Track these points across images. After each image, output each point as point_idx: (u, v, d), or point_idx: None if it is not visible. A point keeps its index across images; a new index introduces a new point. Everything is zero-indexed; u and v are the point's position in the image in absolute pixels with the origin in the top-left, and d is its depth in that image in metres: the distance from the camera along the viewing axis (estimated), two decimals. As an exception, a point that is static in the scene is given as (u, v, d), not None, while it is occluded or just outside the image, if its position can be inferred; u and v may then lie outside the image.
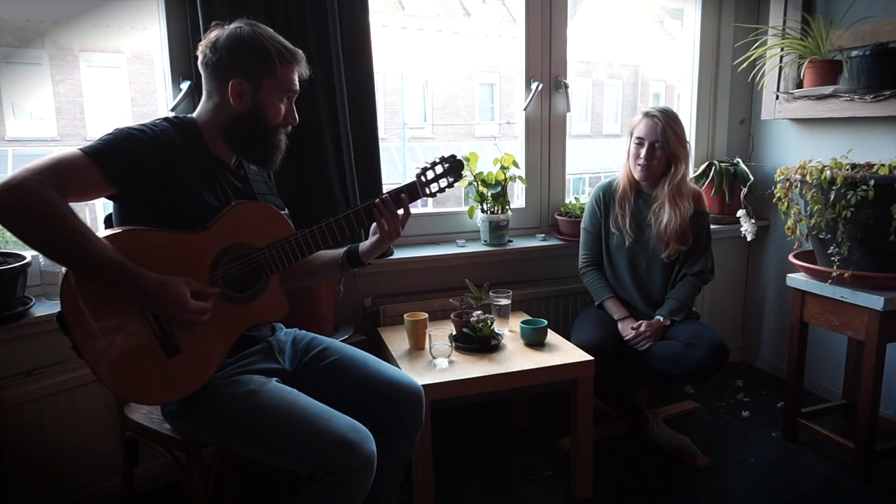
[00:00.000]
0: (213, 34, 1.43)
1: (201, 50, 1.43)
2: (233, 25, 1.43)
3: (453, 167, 1.62)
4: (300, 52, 1.48)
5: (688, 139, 3.00)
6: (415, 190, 1.59)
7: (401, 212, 1.58)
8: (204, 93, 1.48)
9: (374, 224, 1.58)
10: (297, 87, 1.49)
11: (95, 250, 1.22)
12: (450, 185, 1.65)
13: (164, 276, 1.29)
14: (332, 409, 1.42)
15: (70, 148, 1.27)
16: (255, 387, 1.43)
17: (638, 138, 2.24)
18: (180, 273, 1.34)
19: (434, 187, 1.63)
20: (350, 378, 1.56)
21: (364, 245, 1.62)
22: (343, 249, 1.64)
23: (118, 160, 1.29)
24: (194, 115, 1.49)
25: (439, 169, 1.62)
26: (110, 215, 1.43)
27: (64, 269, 1.27)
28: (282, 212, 1.56)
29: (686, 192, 2.25)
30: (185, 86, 2.05)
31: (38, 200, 1.17)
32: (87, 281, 1.27)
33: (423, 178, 1.60)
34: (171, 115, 1.46)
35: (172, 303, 1.30)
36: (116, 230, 1.33)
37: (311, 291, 2.07)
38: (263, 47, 1.41)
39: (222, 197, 1.47)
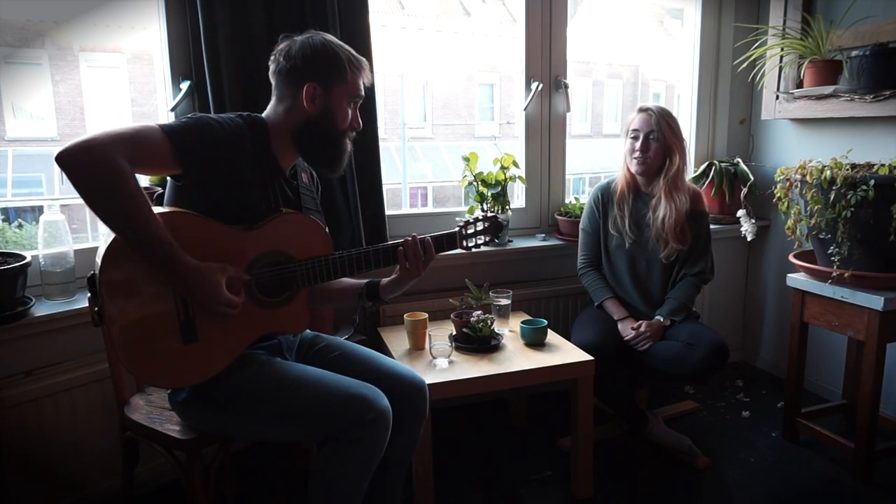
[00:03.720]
0: (283, 44, 1.51)
1: (274, 59, 1.50)
2: (304, 35, 1.50)
3: (494, 227, 1.70)
4: (365, 59, 1.55)
5: (688, 139, 3.03)
6: (453, 241, 1.64)
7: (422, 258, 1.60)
8: (274, 98, 1.53)
9: (398, 266, 1.60)
10: (363, 94, 1.56)
11: (150, 225, 1.27)
12: (486, 244, 1.71)
13: (201, 263, 1.33)
14: (341, 375, 1.46)
15: (151, 122, 1.33)
16: (263, 361, 1.48)
17: (633, 131, 2.25)
18: (218, 262, 1.37)
19: (471, 242, 1.68)
20: (355, 371, 1.58)
21: (385, 281, 1.64)
22: (364, 281, 1.66)
23: (192, 143, 1.35)
24: (263, 115, 1.53)
25: (480, 226, 1.68)
26: (161, 195, 1.47)
27: (111, 237, 1.31)
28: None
29: (682, 186, 2.26)
30: (185, 86, 2.06)
31: (110, 165, 1.21)
32: (132, 254, 1.31)
33: (463, 232, 1.66)
34: (244, 113, 1.50)
35: (205, 290, 1.33)
36: (168, 209, 1.38)
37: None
38: (335, 54, 1.49)
39: (272, 203, 1.51)
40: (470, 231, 1.67)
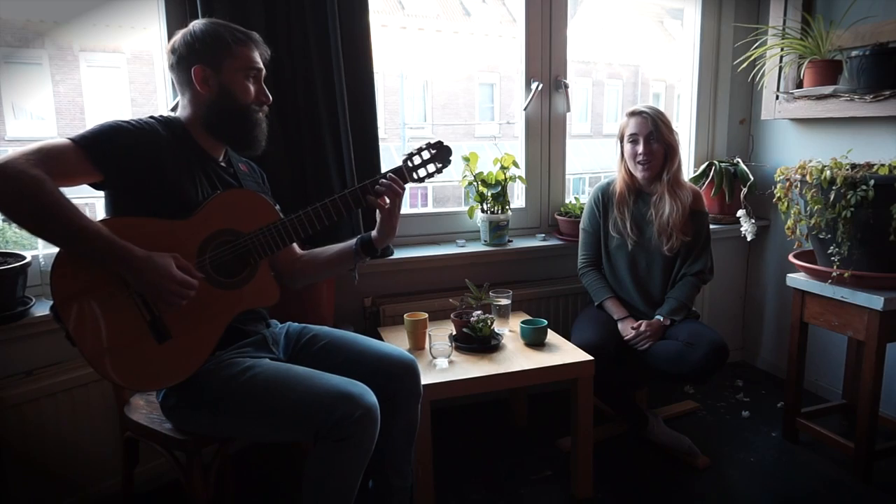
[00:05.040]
0: (170, 41, 1.51)
1: (165, 58, 1.51)
2: (187, 27, 1.51)
3: (440, 153, 1.65)
4: (255, 33, 1.54)
5: (687, 139, 3.05)
6: (401, 173, 1.61)
7: (388, 199, 1.58)
8: (179, 95, 1.53)
9: (377, 212, 1.59)
10: (260, 65, 1.54)
11: (84, 223, 1.26)
12: (438, 171, 1.66)
13: (150, 252, 1.32)
14: (328, 373, 1.46)
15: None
16: (250, 363, 1.47)
17: (631, 135, 2.24)
18: None
19: (422, 172, 1.64)
20: (343, 358, 1.59)
21: (374, 233, 1.64)
22: (355, 238, 1.66)
23: (105, 145, 1.35)
24: (176, 113, 1.55)
25: (426, 154, 1.64)
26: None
27: (52, 260, 1.30)
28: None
29: (684, 182, 2.27)
30: (184, 86, 2.05)
31: (24, 176, 1.21)
32: (77, 265, 1.30)
33: (409, 164, 1.63)
34: (157, 115, 1.52)
35: (158, 275, 1.31)
36: (104, 218, 1.38)
37: (311, 290, 2.08)
38: (215, 31, 1.48)
39: (209, 189, 1.50)
40: (416, 161, 1.63)
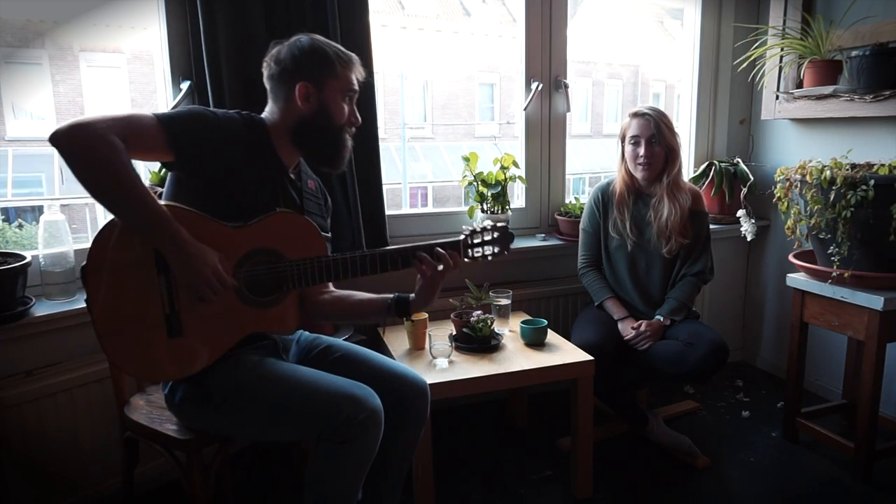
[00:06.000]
0: (273, 50, 1.52)
1: (266, 65, 1.52)
2: (292, 39, 1.52)
3: (503, 238, 1.63)
4: (356, 56, 1.56)
5: (687, 139, 3.04)
6: (457, 248, 1.58)
7: (441, 267, 1.55)
8: (269, 101, 1.54)
9: (418, 276, 1.57)
10: (357, 88, 1.56)
11: (147, 200, 1.29)
12: (494, 255, 1.63)
13: (204, 245, 1.34)
14: (335, 375, 1.46)
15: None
16: (258, 360, 1.48)
17: (633, 137, 2.24)
18: None
19: (477, 252, 1.61)
20: (357, 372, 1.57)
21: (413, 296, 1.61)
22: (392, 295, 1.63)
23: (185, 129, 1.36)
24: (262, 115, 1.54)
25: (488, 236, 1.62)
26: (160, 195, 1.48)
27: (104, 222, 1.33)
28: (324, 233, 1.57)
29: (683, 184, 2.26)
30: (185, 86, 2.05)
31: (101, 142, 1.24)
32: (122, 238, 1.33)
33: (469, 240, 1.61)
34: (243, 112, 1.51)
35: (199, 262, 1.33)
36: (164, 202, 1.38)
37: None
38: (323, 51, 1.50)
39: (270, 200, 1.51)
40: (476, 241, 1.61)
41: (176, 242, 1.31)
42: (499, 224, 1.63)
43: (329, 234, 1.64)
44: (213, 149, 1.40)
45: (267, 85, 1.54)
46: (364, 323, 1.68)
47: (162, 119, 1.35)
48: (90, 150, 1.24)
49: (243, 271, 1.45)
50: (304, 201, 1.60)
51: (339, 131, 1.54)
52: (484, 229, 1.62)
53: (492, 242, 1.62)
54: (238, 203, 1.44)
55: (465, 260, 1.60)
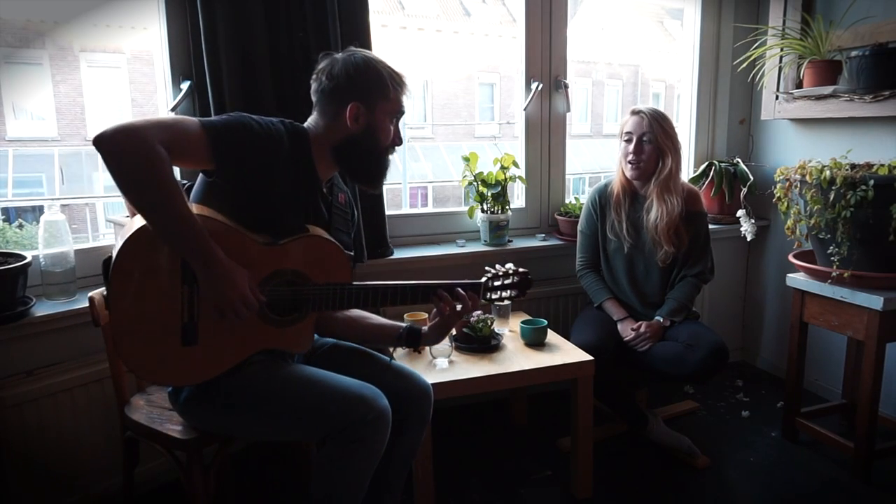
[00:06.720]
0: (325, 63, 1.50)
1: (316, 78, 1.50)
2: (345, 53, 1.50)
3: (522, 284, 1.65)
4: (406, 76, 1.55)
5: (687, 139, 3.04)
6: (477, 290, 1.60)
7: (459, 307, 1.56)
8: (315, 112, 1.53)
9: (434, 310, 1.59)
10: (405, 109, 1.55)
11: (185, 212, 1.27)
12: (511, 299, 1.67)
13: (234, 264, 1.33)
14: (342, 375, 1.46)
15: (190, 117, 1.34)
16: (267, 361, 1.48)
17: (626, 133, 2.25)
18: None
19: (495, 295, 1.64)
20: (362, 373, 1.57)
21: (426, 329, 1.63)
22: (406, 325, 1.65)
23: (228, 140, 1.34)
24: (305, 125, 1.53)
25: (508, 280, 1.64)
26: (189, 187, 1.47)
27: (136, 226, 1.31)
28: (347, 252, 1.57)
29: (675, 188, 2.23)
30: (185, 86, 2.06)
31: (148, 149, 1.22)
32: (154, 242, 1.31)
33: (489, 283, 1.62)
34: (287, 120, 1.49)
35: (228, 282, 1.32)
36: (196, 208, 1.37)
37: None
38: (378, 72, 1.48)
39: (301, 213, 1.50)
40: (496, 284, 1.63)
41: (208, 262, 1.30)
42: (521, 270, 1.65)
43: (352, 253, 1.63)
44: (253, 162, 1.38)
45: (314, 97, 1.52)
46: (374, 345, 1.70)
47: (207, 129, 1.32)
48: (135, 157, 1.21)
49: (267, 290, 1.43)
50: (332, 217, 1.59)
51: (384, 153, 1.54)
52: (506, 273, 1.63)
53: (511, 286, 1.64)
54: (268, 213, 1.43)
55: (482, 301, 1.62)
